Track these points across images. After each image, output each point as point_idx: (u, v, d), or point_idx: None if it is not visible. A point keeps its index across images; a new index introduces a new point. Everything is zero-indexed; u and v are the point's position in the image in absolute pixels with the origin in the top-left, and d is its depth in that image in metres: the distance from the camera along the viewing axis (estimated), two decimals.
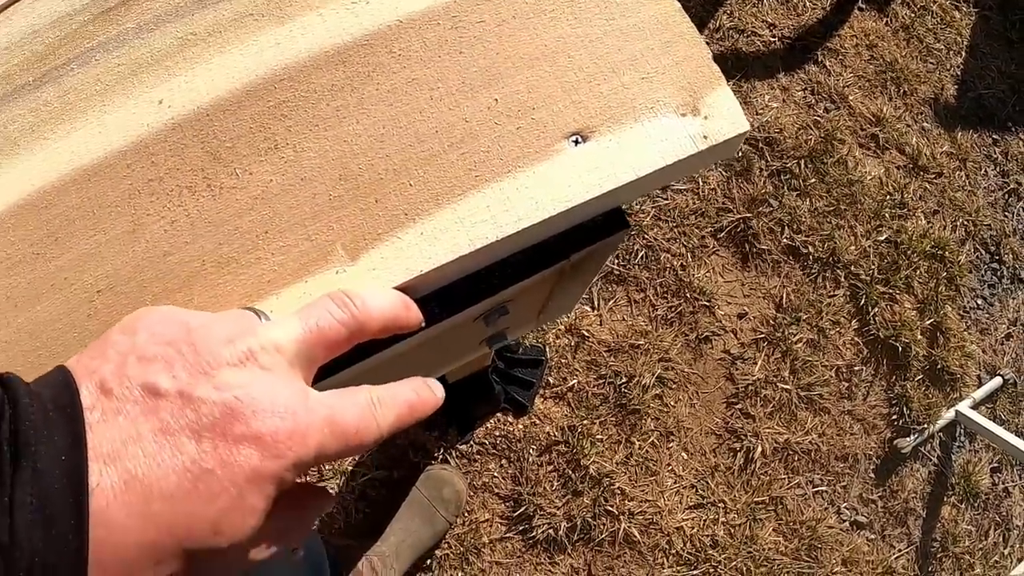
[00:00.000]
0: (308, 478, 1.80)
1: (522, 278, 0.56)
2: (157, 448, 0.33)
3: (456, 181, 0.51)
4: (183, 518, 0.33)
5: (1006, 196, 2.39)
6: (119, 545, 0.31)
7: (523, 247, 0.55)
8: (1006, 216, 2.36)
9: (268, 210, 0.52)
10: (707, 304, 2.06)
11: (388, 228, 0.50)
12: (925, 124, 2.40)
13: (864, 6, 2.53)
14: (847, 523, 2.01)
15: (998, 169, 2.42)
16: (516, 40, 0.55)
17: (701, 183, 2.17)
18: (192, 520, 0.33)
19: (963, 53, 2.54)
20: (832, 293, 2.14)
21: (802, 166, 2.22)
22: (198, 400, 0.34)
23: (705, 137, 0.52)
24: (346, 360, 0.53)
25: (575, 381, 1.95)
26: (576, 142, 0.51)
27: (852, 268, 2.16)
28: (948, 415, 2.10)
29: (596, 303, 2.03)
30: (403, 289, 0.49)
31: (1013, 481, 2.17)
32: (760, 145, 2.23)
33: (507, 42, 0.55)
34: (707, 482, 1.94)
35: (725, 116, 0.53)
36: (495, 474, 1.88)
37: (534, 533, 1.84)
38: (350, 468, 1.84)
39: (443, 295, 0.55)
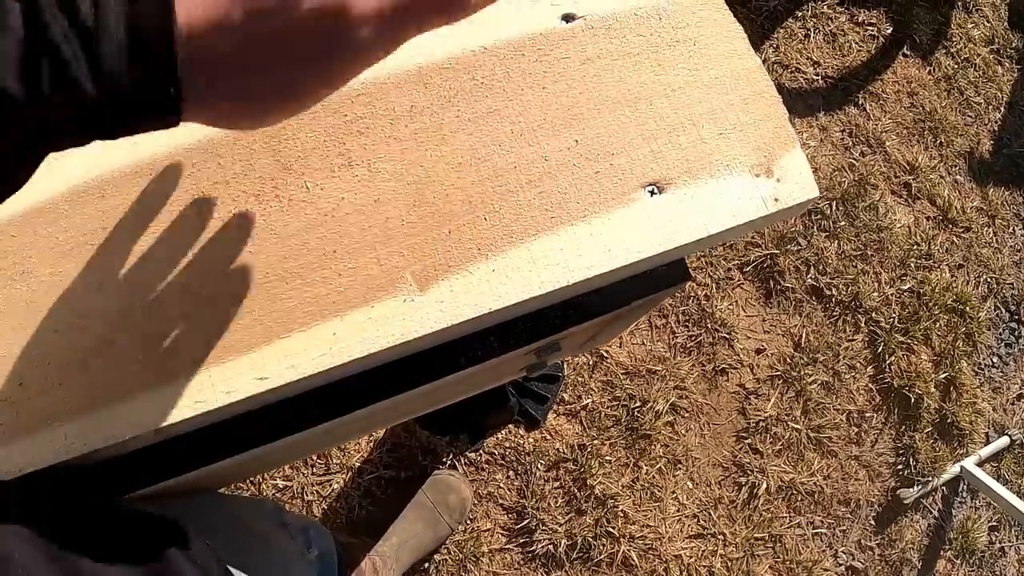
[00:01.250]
0: (314, 473, 1.81)
1: (584, 320, 0.56)
2: None
3: (531, 220, 0.51)
4: None
5: None
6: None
7: (591, 290, 0.55)
8: None
9: (338, 228, 0.51)
10: (727, 336, 2.06)
11: (459, 261, 0.50)
12: (958, 177, 2.40)
13: (908, 53, 2.52)
14: (843, 567, 2.00)
15: None
16: (599, 81, 0.55)
17: None
18: None
19: (1002, 109, 2.53)
20: (851, 337, 2.13)
21: (833, 208, 2.22)
22: None
23: (776, 200, 0.52)
24: (400, 387, 0.54)
25: (590, 400, 1.95)
26: (652, 192, 0.52)
27: (873, 314, 2.15)
28: (953, 470, 2.09)
29: None
30: (467, 323, 0.49)
31: (1010, 541, 2.16)
32: None
33: (591, 82, 0.55)
34: (709, 513, 1.94)
35: (797, 180, 0.53)
36: (501, 485, 1.88)
37: (534, 547, 1.84)
38: (357, 464, 1.84)
39: (504, 330, 0.55)
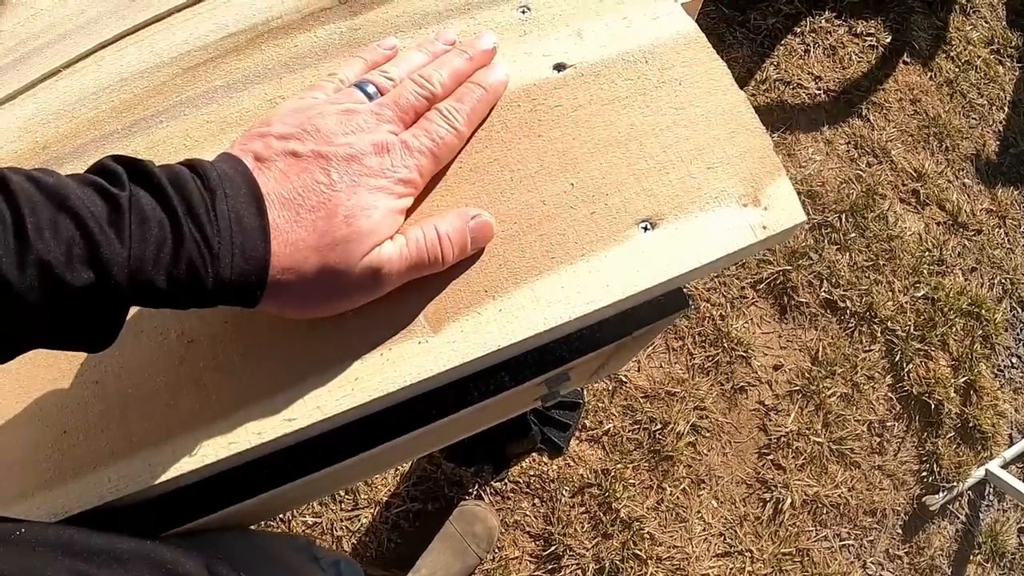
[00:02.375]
0: (342, 508, 1.83)
1: (588, 352, 0.58)
2: (300, 181, 0.48)
3: (534, 262, 0.53)
4: (323, 221, 0.47)
5: None
6: (283, 243, 0.46)
7: (591, 323, 0.57)
8: None
9: None
10: (744, 355, 2.08)
11: (469, 303, 0.53)
12: (966, 180, 2.41)
13: (909, 60, 2.54)
14: None
15: None
16: (591, 125, 0.58)
17: None
18: (329, 220, 0.47)
19: (1006, 108, 2.54)
20: (868, 348, 2.14)
21: (843, 220, 2.23)
22: (327, 153, 0.49)
23: (764, 227, 0.55)
24: (418, 422, 0.57)
25: (611, 425, 1.97)
26: (646, 228, 0.54)
27: (888, 324, 2.16)
28: (978, 473, 2.09)
29: None
30: (478, 360, 0.52)
31: None
32: (802, 198, 2.25)
33: (583, 127, 0.58)
34: (735, 531, 1.95)
35: (783, 207, 0.55)
36: (527, 512, 1.90)
37: (562, 572, 1.85)
38: (385, 498, 1.87)
39: (513, 365, 0.58)
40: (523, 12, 0.64)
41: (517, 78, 0.60)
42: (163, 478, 0.50)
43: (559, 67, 0.61)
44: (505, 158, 0.57)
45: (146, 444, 0.51)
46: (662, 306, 0.59)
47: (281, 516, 1.82)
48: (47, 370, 0.54)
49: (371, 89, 0.55)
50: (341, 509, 1.85)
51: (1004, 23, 2.68)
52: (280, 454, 0.55)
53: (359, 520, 1.85)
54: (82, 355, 0.54)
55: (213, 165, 0.45)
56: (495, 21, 0.64)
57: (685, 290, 0.60)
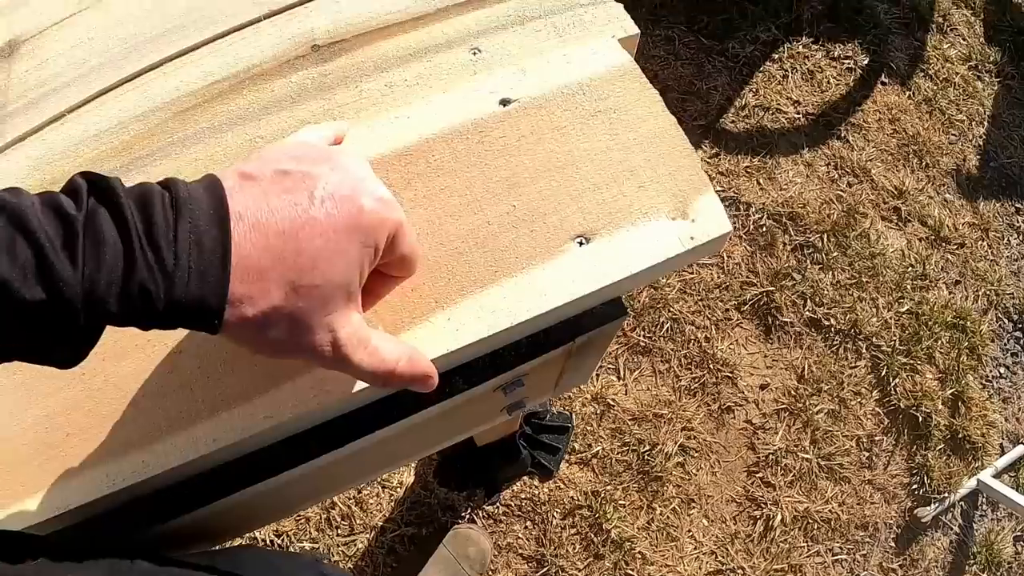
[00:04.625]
0: (339, 534, 1.87)
1: (533, 357, 0.64)
2: (279, 203, 0.45)
3: (479, 275, 0.58)
4: (291, 253, 0.45)
5: None
6: (246, 268, 0.43)
7: (536, 331, 0.63)
8: None
9: None
10: (730, 375, 2.11)
11: (421, 313, 0.58)
12: (947, 195, 2.45)
13: (887, 80, 2.60)
14: None
15: (1021, 238, 2.45)
16: (533, 153, 0.63)
17: (726, 257, 2.24)
18: (298, 255, 0.45)
19: (985, 123, 2.59)
20: (853, 364, 2.17)
21: (825, 240, 2.28)
22: (318, 174, 0.47)
23: (692, 238, 0.60)
24: (383, 421, 0.62)
25: (600, 448, 2.00)
26: (580, 243, 0.59)
27: (873, 340, 2.20)
28: (970, 484, 2.10)
29: (622, 373, 2.09)
30: (434, 362, 0.57)
31: None
32: (784, 220, 2.30)
33: (525, 155, 0.63)
34: (727, 549, 1.97)
35: (711, 219, 0.60)
36: (519, 535, 1.92)
37: None
38: (379, 524, 1.90)
39: (466, 370, 0.63)
40: (474, 54, 0.70)
41: (467, 113, 0.66)
42: (155, 472, 0.55)
43: (504, 102, 0.66)
44: (454, 185, 0.62)
45: (137, 444, 0.56)
46: (602, 315, 0.64)
47: (280, 542, 1.85)
48: (51, 379, 0.58)
49: None
50: (338, 534, 1.88)
51: (982, 39, 2.74)
52: (265, 451, 0.60)
53: (355, 545, 1.87)
54: (89, 363, 0.58)
55: (187, 184, 0.45)
56: (449, 62, 0.70)
57: (625, 300, 0.65)
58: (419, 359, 0.52)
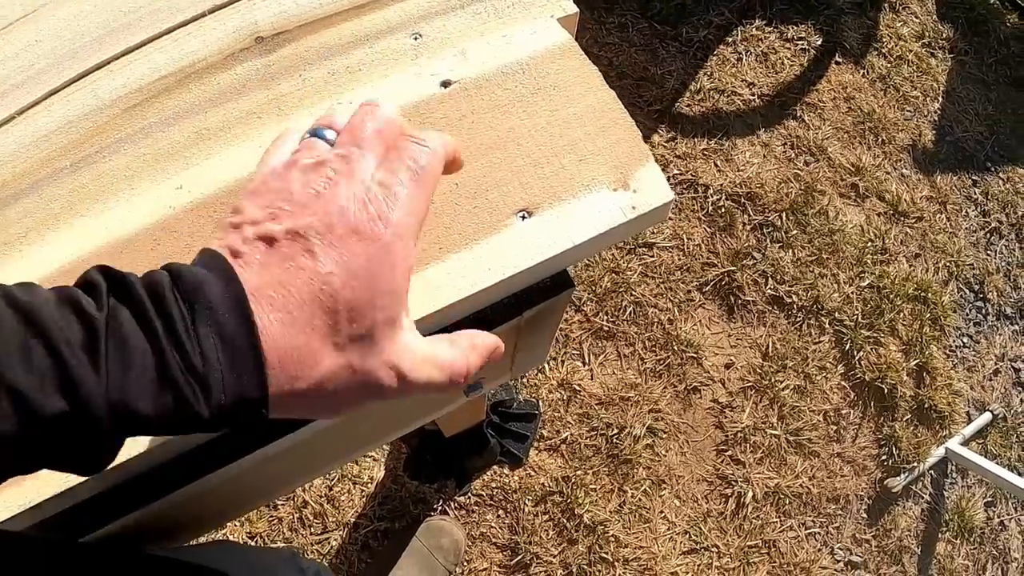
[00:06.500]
0: (312, 532, 1.88)
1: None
2: (285, 274, 0.42)
3: (423, 253, 0.60)
4: (321, 319, 0.42)
5: (988, 235, 2.45)
6: (277, 349, 0.40)
7: (483, 306, 0.64)
8: (988, 255, 2.42)
9: None
10: (695, 356, 2.13)
11: None
12: (904, 171, 2.48)
13: (841, 60, 2.62)
14: (841, 563, 2.04)
15: (978, 209, 2.48)
16: (474, 132, 0.65)
17: (686, 239, 2.25)
18: (334, 314, 0.42)
19: (940, 99, 2.62)
20: (817, 340, 2.20)
21: (784, 219, 2.30)
22: (303, 228, 0.43)
23: (634, 208, 0.61)
24: None
25: (568, 433, 2.01)
26: (523, 217, 0.61)
27: (836, 315, 2.22)
28: (938, 453, 2.13)
29: (587, 358, 2.11)
30: None
31: (1008, 514, 2.19)
32: (742, 200, 2.32)
33: (466, 134, 0.65)
34: (700, 528, 1.99)
35: (652, 189, 0.62)
36: (492, 524, 1.94)
37: None
38: (352, 520, 1.91)
39: None
40: (415, 38, 0.72)
41: (409, 96, 0.67)
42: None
43: (445, 84, 0.67)
44: None
45: None
46: (548, 288, 0.66)
47: (253, 544, 1.86)
48: None
49: (330, 134, 0.51)
50: (311, 533, 1.89)
51: (934, 16, 2.77)
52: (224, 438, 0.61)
53: (329, 543, 1.88)
54: None
55: (192, 269, 0.40)
56: (391, 48, 0.71)
57: (572, 272, 0.66)
58: (478, 340, 0.51)
